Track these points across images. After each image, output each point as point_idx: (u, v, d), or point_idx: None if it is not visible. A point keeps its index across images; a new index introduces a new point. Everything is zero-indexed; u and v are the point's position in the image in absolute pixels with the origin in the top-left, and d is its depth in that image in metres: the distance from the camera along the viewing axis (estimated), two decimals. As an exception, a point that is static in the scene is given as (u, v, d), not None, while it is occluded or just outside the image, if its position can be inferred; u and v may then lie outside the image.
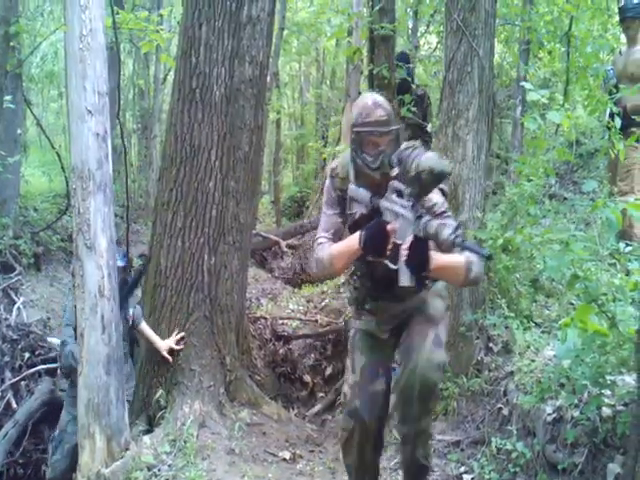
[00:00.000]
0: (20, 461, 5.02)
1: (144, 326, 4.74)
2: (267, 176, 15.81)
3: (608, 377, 3.14)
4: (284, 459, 4.68)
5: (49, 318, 6.52)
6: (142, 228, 10.44)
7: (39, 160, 11.95)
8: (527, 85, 4.66)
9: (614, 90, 5.10)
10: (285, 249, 10.15)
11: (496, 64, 8.87)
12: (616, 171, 5.69)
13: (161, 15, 9.69)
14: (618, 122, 4.56)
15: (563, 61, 7.63)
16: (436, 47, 11.45)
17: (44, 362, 5.55)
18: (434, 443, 4.19)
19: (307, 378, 6.63)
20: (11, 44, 6.53)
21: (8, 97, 6.49)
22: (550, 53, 9.35)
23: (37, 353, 5.59)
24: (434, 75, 12.39)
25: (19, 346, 5.54)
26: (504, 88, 11.25)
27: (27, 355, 5.49)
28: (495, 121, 6.81)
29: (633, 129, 5.05)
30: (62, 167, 7.71)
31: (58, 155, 7.66)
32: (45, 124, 11.64)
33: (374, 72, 5.80)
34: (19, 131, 7.78)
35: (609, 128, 4.69)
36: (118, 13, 6.48)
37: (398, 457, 4.30)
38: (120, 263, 4.48)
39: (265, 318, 7.15)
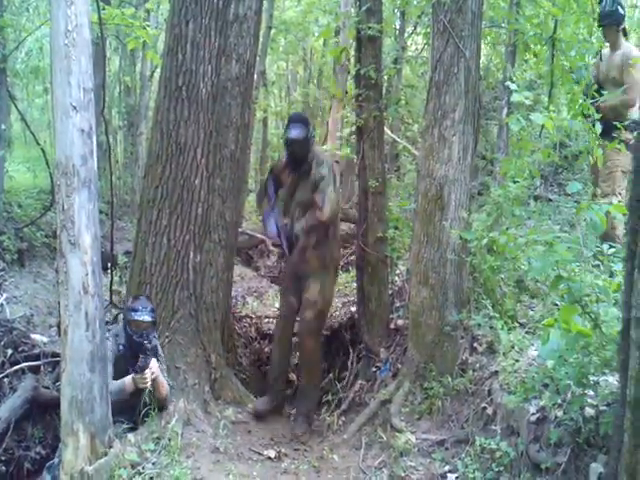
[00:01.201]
0: (2, 458, 4.95)
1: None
2: (254, 174, 15.78)
3: (591, 377, 3.17)
4: (269, 457, 4.68)
5: (32, 315, 6.45)
6: (127, 225, 10.39)
7: (23, 156, 11.85)
8: (512, 86, 4.69)
9: (596, 95, 5.14)
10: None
11: (482, 66, 8.92)
12: (598, 173, 5.74)
13: (148, 11, 9.65)
14: (599, 127, 4.60)
15: (548, 64, 7.66)
16: (423, 48, 11.47)
17: (27, 359, 5.49)
18: (419, 442, 4.22)
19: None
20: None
21: (-7, 93, 6.44)
22: (536, 55, 9.40)
23: (20, 350, 5.51)
24: (421, 76, 12.44)
25: (1, 343, 5.45)
26: (490, 90, 11.31)
27: (10, 352, 5.42)
28: (481, 122, 6.83)
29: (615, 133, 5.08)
30: (47, 163, 7.65)
31: (43, 151, 7.60)
32: (30, 120, 11.53)
33: (361, 72, 5.80)
34: (3, 126, 7.71)
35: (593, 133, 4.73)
36: (104, 9, 6.44)
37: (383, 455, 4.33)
38: (148, 318, 4.40)
39: (250, 317, 7.16)
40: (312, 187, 5.24)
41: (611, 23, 5.68)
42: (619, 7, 5.71)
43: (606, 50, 5.97)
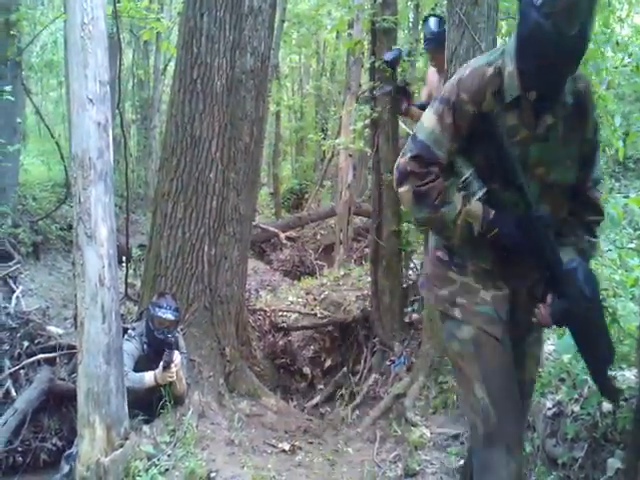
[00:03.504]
0: (19, 449, 5.00)
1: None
2: (266, 168, 15.79)
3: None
4: (283, 450, 4.68)
5: (48, 307, 6.51)
6: (141, 218, 10.45)
7: (38, 149, 11.94)
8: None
9: None
10: (284, 241, 10.15)
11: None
12: None
13: (161, 4, 9.66)
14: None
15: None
16: (437, 41, 11.39)
17: (43, 351, 5.53)
18: (433, 436, 4.21)
19: (306, 370, 6.64)
20: (12, 32, 6.49)
21: (8, 87, 6.45)
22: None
23: (36, 342, 5.56)
24: (435, 69, 12.37)
25: (18, 334, 5.51)
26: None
27: (26, 344, 5.47)
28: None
29: None
30: (61, 156, 7.70)
31: (57, 144, 7.64)
32: (44, 113, 11.59)
33: (376, 65, 5.78)
34: (18, 120, 7.75)
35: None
36: (119, 1, 6.45)
37: (397, 449, 4.32)
38: (171, 317, 4.41)
39: (264, 310, 7.16)
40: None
41: (438, 46, 4.99)
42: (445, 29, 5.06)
43: (434, 75, 5.36)
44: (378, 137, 5.85)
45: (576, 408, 3.29)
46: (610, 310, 3.15)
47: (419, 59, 11.25)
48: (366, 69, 7.26)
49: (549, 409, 3.47)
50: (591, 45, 6.43)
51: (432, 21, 5.24)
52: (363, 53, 8.48)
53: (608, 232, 4.46)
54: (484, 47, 4.69)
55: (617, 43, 6.42)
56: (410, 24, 10.61)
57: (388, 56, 5.31)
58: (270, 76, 10.14)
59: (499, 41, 7.33)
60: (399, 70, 5.63)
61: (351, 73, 9.82)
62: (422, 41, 5.55)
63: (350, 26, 9.54)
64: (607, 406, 3.12)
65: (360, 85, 9.32)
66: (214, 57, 4.93)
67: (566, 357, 3.41)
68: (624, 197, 3.45)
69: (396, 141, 5.97)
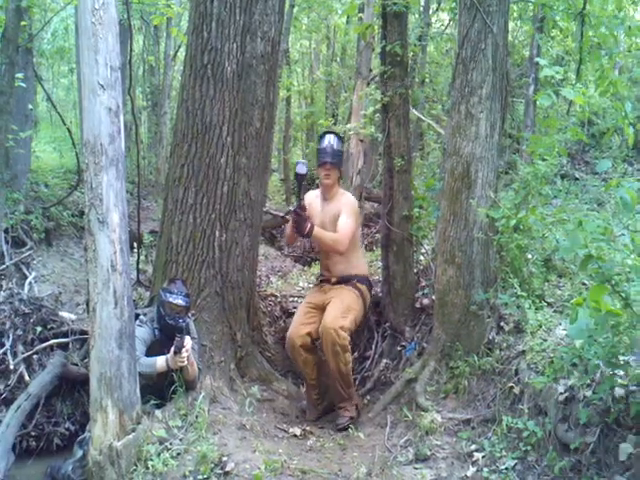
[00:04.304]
0: (33, 434, 5.06)
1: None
2: (277, 154, 15.77)
3: (621, 357, 3.13)
4: (294, 435, 4.71)
5: (60, 293, 6.55)
6: (152, 205, 10.46)
7: (50, 136, 11.96)
8: (542, 61, 4.61)
9: None
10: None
11: (509, 42, 8.77)
12: None
13: (171, -10, 9.61)
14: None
15: (576, 40, 7.53)
16: (448, 24, 11.33)
17: (56, 336, 5.58)
18: (444, 421, 4.21)
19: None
20: (23, 23, 6.48)
21: (19, 74, 6.45)
22: (562, 31, 9.25)
23: (49, 327, 5.61)
24: (445, 53, 12.31)
25: (31, 320, 5.56)
26: (516, 67, 11.16)
27: (39, 329, 5.52)
28: (508, 100, 6.75)
29: None
30: (73, 143, 7.71)
31: (69, 131, 7.65)
32: (55, 100, 11.61)
33: (387, 49, 5.73)
34: (30, 107, 7.77)
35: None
36: (129, -13, 6.44)
37: (408, 434, 4.33)
38: (181, 302, 4.44)
39: (275, 295, 7.17)
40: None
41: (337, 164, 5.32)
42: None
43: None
44: (389, 122, 5.82)
45: (588, 393, 3.29)
46: (623, 295, 3.13)
47: (430, 44, 11.21)
48: (377, 54, 7.19)
49: (561, 394, 3.46)
50: (603, 29, 6.39)
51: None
52: (374, 37, 8.42)
53: (621, 216, 4.41)
54: (495, 30, 4.66)
55: (630, 27, 6.35)
56: (421, 8, 10.52)
57: (301, 168, 5.00)
58: (280, 61, 10.11)
59: (510, 24, 7.27)
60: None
61: (362, 58, 9.75)
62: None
63: (361, 10, 9.45)
64: (619, 391, 3.12)
65: (371, 70, 9.25)
66: (224, 42, 4.92)
67: (578, 342, 3.40)
68: (638, 180, 3.42)
69: (407, 126, 5.94)
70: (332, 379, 5.03)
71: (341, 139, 5.39)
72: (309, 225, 4.97)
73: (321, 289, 5.42)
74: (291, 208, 5.31)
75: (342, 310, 5.02)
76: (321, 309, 5.14)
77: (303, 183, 5.14)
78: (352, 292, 5.24)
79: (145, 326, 4.48)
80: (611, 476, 2.98)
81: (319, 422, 5.16)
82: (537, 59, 5.04)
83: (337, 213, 5.20)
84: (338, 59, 16.08)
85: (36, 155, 8.93)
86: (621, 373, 3.17)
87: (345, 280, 5.32)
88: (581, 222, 3.24)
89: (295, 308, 6.78)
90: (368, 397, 5.40)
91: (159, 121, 12.74)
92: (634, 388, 3.07)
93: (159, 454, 3.74)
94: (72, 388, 5.37)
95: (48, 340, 5.51)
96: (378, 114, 6.66)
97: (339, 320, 4.92)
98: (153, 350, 4.38)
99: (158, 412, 4.12)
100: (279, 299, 7.14)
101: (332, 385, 5.09)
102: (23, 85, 6.75)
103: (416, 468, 3.86)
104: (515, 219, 4.39)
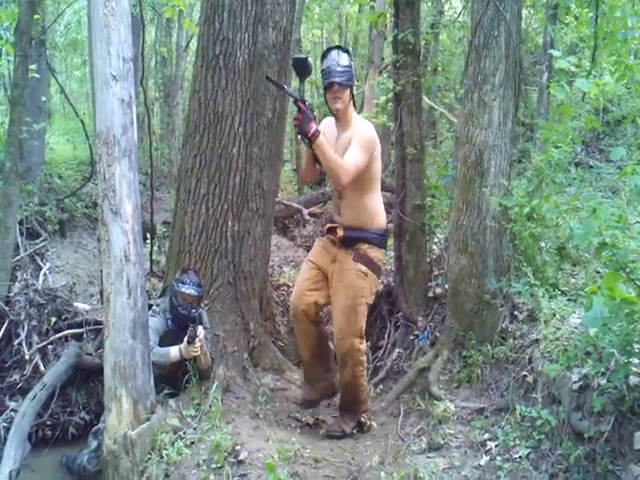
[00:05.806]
0: (48, 423, 5.11)
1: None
2: (288, 144, 15.75)
3: (636, 345, 3.11)
4: (307, 424, 4.72)
5: (74, 283, 6.59)
6: (165, 196, 10.50)
7: (63, 128, 11.99)
8: (555, 53, 4.57)
9: None
10: (307, 217, 10.13)
11: (522, 30, 8.71)
12: None
13: (183, -19, 9.59)
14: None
15: (591, 26, 7.46)
16: (461, 13, 11.26)
17: (70, 326, 5.63)
18: (457, 410, 4.21)
19: (330, 345, 6.65)
20: (36, 16, 6.49)
21: (33, 66, 6.47)
22: (577, 18, 9.16)
23: (63, 318, 5.66)
24: (458, 41, 12.24)
25: (46, 311, 5.60)
26: (529, 54, 11.07)
27: (54, 319, 5.56)
28: (521, 87, 6.70)
29: None
30: (86, 134, 7.73)
31: (82, 122, 7.67)
32: (68, 92, 11.64)
33: (399, 38, 5.70)
34: (43, 99, 7.79)
35: None
36: (141, -22, 6.43)
37: (421, 423, 4.34)
38: (194, 292, 4.47)
39: (288, 285, 7.18)
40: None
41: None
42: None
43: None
44: (401, 111, 5.79)
45: (602, 381, 3.27)
46: (638, 282, 3.11)
47: (443, 32, 11.15)
48: (389, 42, 7.17)
49: (575, 382, 3.45)
50: (618, 14, 6.32)
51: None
52: (386, 26, 8.39)
53: (636, 204, 4.39)
54: (508, 17, 4.62)
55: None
56: (433, -4, 10.47)
57: (300, 55, 4.31)
58: (292, 51, 10.09)
59: (524, 12, 7.21)
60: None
61: (374, 47, 9.74)
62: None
63: (372, -1, 9.43)
64: (634, 379, 3.10)
65: (383, 59, 9.24)
66: (236, 32, 4.90)
67: (592, 330, 3.38)
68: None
69: (419, 114, 5.91)
70: (341, 385, 4.67)
71: (348, 52, 4.33)
72: (314, 127, 3.97)
73: (326, 249, 4.55)
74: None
75: (348, 314, 4.38)
76: (325, 277, 4.51)
77: (304, 76, 4.07)
78: (356, 274, 4.35)
79: (158, 316, 4.51)
80: (626, 465, 2.97)
81: (332, 411, 5.12)
82: (551, 51, 4.97)
83: (349, 142, 4.27)
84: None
85: (50, 147, 8.96)
86: (636, 361, 3.15)
87: (353, 240, 4.40)
88: (595, 210, 3.22)
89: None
90: (381, 386, 5.40)
91: (171, 112, 12.76)
92: (648, 376, 3.05)
93: (173, 443, 3.76)
94: (87, 378, 5.40)
95: (63, 330, 5.56)
96: (390, 103, 6.63)
97: (350, 338, 4.41)
98: (166, 340, 4.40)
99: (172, 401, 4.15)
100: (291, 289, 7.14)
101: (341, 389, 4.72)
102: (37, 76, 6.77)
103: (429, 457, 3.85)
104: (528, 207, 4.37)
